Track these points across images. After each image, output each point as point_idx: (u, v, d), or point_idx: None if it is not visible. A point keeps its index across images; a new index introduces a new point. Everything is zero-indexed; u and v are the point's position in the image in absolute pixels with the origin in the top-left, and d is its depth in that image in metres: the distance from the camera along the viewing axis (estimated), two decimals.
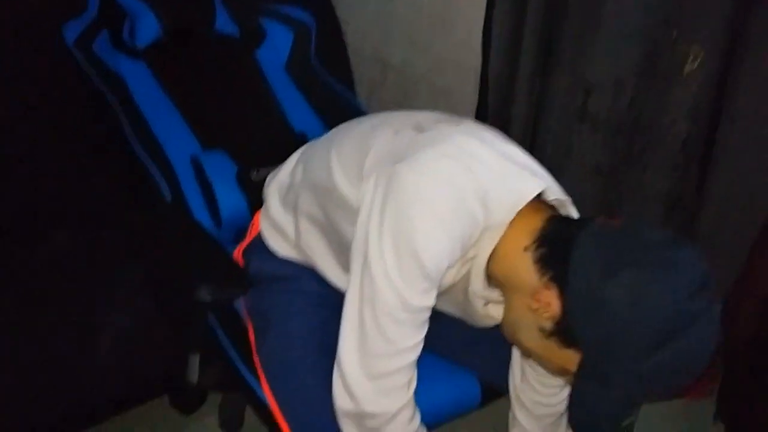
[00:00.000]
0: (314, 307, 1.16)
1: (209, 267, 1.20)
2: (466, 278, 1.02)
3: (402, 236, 0.91)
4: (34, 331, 1.49)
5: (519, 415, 1.16)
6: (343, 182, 1.03)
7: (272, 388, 1.14)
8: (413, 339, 0.97)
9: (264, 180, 1.29)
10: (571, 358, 0.91)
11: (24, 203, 1.62)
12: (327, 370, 1.04)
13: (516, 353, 1.15)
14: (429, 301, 0.95)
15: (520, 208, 0.95)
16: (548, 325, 0.91)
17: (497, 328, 1.13)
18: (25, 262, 1.52)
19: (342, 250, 1.09)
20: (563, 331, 0.90)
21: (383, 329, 0.94)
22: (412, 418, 1.02)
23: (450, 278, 1.00)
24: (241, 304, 1.28)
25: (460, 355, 1.26)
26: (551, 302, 0.89)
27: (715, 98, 1.72)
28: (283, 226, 1.19)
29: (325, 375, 1.04)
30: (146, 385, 1.68)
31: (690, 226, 1.84)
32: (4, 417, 1.48)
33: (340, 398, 1.00)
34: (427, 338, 1.00)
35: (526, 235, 0.94)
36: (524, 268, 0.93)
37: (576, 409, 0.96)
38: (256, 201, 1.31)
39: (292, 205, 1.17)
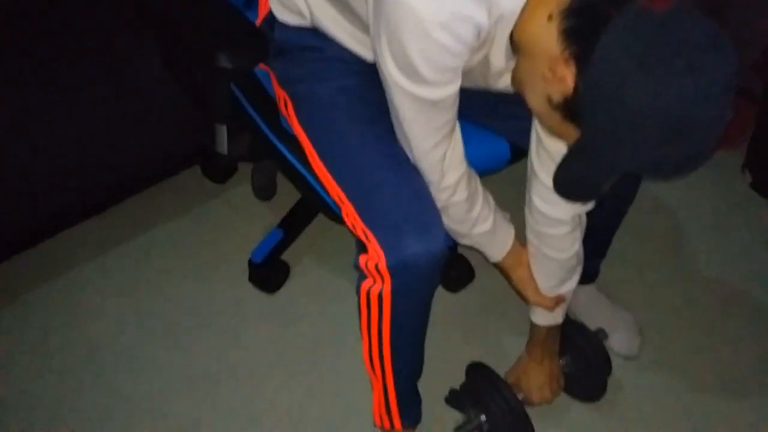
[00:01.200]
0: (345, 72, 1.14)
1: (226, 32, 1.13)
2: (485, 62, 0.99)
3: (400, 56, 0.91)
4: (64, 110, 1.50)
5: (538, 171, 1.17)
6: None
7: (320, 153, 1.15)
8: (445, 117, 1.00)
9: None
10: (571, 133, 0.90)
11: None
12: (366, 130, 1.09)
13: None
14: (442, 93, 0.95)
15: None
16: (557, 97, 0.88)
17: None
18: (54, 45, 1.49)
19: (359, 25, 1.06)
20: (570, 108, 0.87)
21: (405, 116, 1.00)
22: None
23: (468, 63, 0.96)
24: (263, 73, 1.25)
25: (488, 120, 1.26)
26: (566, 78, 0.85)
27: None
28: (294, 4, 1.14)
29: (363, 130, 1.09)
30: (177, 156, 1.71)
31: None
32: (43, 189, 1.53)
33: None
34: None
35: (552, 2, 0.87)
36: (546, 37, 0.87)
37: (561, 174, 0.96)
38: None
39: None
